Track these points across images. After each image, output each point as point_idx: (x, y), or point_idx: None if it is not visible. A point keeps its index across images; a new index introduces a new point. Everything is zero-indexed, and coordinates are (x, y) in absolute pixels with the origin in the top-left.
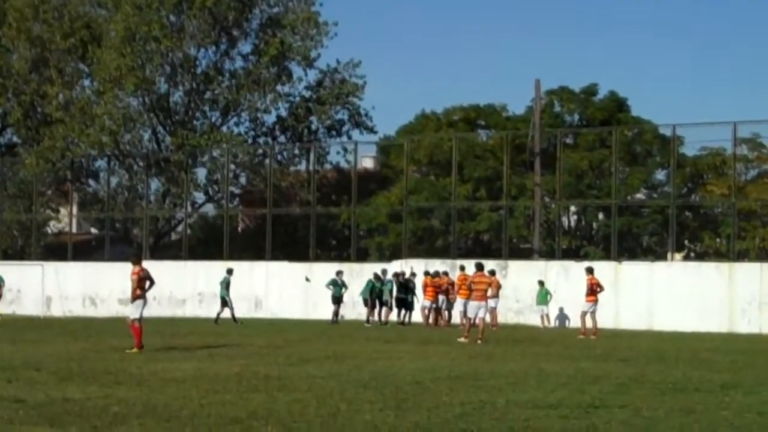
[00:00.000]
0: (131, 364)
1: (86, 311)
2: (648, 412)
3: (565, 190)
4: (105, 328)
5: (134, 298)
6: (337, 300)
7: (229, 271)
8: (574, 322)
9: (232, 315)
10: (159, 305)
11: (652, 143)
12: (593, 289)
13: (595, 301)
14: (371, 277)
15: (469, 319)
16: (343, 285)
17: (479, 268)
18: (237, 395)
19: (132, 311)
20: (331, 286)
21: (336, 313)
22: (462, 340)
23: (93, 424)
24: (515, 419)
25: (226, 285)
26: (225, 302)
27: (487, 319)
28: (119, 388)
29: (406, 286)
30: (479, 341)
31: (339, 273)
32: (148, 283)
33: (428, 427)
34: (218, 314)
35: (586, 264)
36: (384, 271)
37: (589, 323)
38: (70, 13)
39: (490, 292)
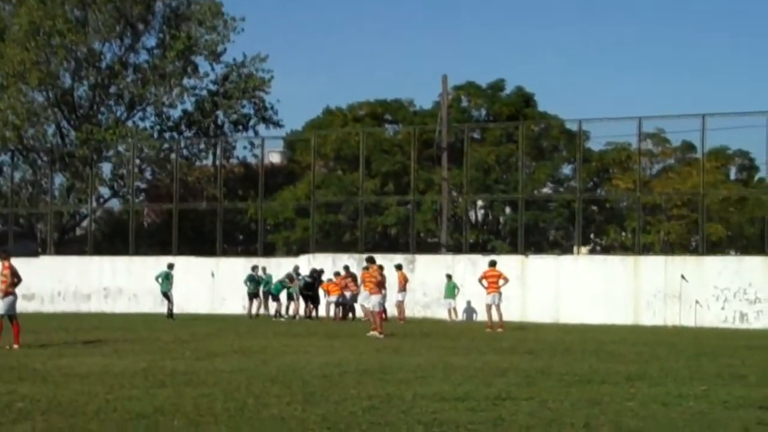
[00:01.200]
0: (35, 360)
1: None
2: (554, 404)
3: (473, 184)
4: (7, 324)
5: (6, 294)
6: (253, 296)
7: (170, 266)
8: (482, 315)
9: (170, 311)
10: (64, 300)
11: (559, 138)
12: (493, 282)
13: (497, 293)
14: (284, 275)
15: (374, 312)
16: (269, 278)
17: (370, 261)
18: (143, 390)
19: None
20: (248, 282)
21: (250, 308)
22: (374, 333)
23: None
24: (423, 412)
25: (165, 278)
26: (167, 296)
27: (395, 312)
28: (23, 384)
29: (313, 283)
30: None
31: (254, 268)
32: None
33: (336, 421)
34: (170, 309)
35: (491, 258)
36: (297, 268)
37: (495, 316)
38: None
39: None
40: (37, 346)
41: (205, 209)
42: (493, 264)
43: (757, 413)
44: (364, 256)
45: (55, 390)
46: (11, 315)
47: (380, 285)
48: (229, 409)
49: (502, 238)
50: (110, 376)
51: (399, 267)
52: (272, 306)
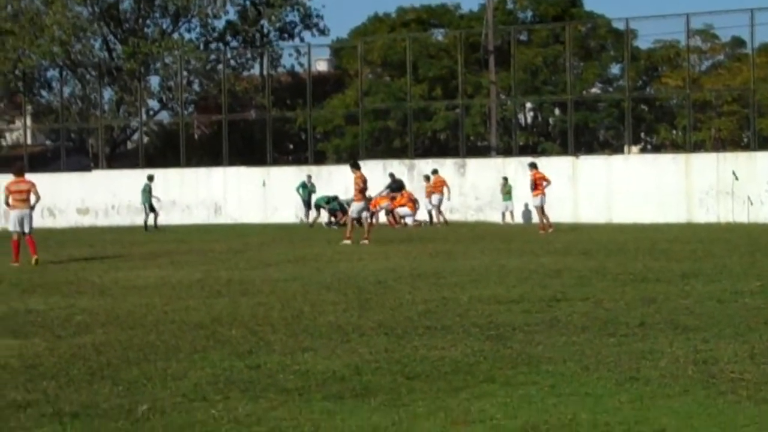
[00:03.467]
0: (92, 274)
1: (45, 222)
2: (609, 304)
3: (521, 86)
4: (64, 238)
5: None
6: (307, 204)
7: (150, 178)
8: (534, 217)
9: (154, 222)
10: (118, 214)
11: (606, 37)
12: (538, 183)
13: (543, 194)
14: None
15: (353, 219)
16: (313, 187)
17: (354, 167)
18: (200, 301)
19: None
20: (300, 189)
21: (307, 216)
22: (346, 242)
23: (57, 333)
24: (478, 315)
25: (148, 191)
26: (152, 208)
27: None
28: (81, 297)
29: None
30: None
31: (309, 177)
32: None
33: (392, 326)
34: (145, 221)
35: (530, 160)
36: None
37: (536, 217)
38: None
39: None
40: (94, 259)
41: (254, 119)
42: (533, 166)
43: None
44: (414, 161)
45: (113, 303)
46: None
47: (362, 192)
48: (286, 318)
49: (552, 140)
50: (167, 288)
51: (435, 171)
52: (324, 214)
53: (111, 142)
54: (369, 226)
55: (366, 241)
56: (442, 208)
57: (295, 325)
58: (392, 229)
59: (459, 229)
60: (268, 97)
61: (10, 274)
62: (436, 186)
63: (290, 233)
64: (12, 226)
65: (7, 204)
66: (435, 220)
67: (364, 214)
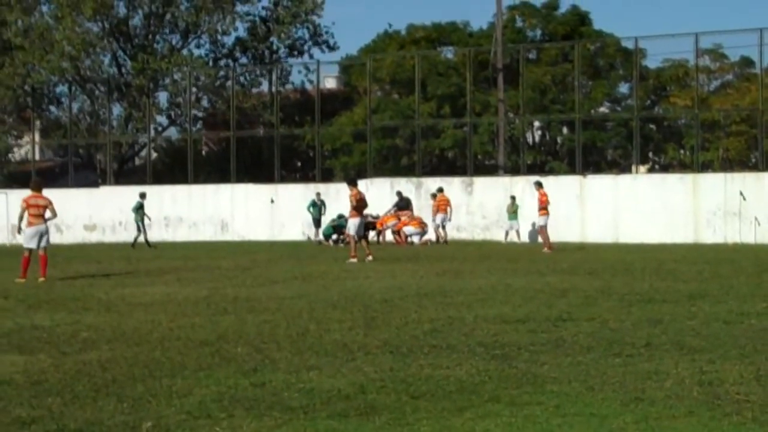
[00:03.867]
0: (99, 290)
1: (52, 238)
2: (615, 324)
3: (529, 105)
4: (71, 254)
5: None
6: (318, 222)
7: (142, 195)
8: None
9: (144, 239)
10: (125, 230)
11: (615, 56)
12: (544, 203)
13: (548, 214)
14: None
15: (353, 237)
16: (323, 205)
17: (351, 183)
18: (206, 318)
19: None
20: (311, 208)
21: (316, 234)
22: (352, 261)
23: (62, 350)
24: (484, 334)
25: (138, 208)
26: (139, 227)
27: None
28: (87, 314)
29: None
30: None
31: (318, 194)
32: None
33: (398, 344)
34: (135, 238)
35: (536, 179)
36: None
37: (541, 237)
38: None
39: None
40: (100, 275)
41: (263, 136)
42: (540, 185)
43: None
44: (422, 180)
45: (119, 319)
46: (41, 247)
47: (356, 209)
48: (291, 335)
49: (560, 159)
50: (173, 305)
51: (440, 190)
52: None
53: (119, 158)
54: (367, 242)
55: (370, 257)
56: (447, 227)
57: (300, 342)
58: (400, 247)
59: (465, 248)
60: (276, 114)
61: (17, 289)
62: (440, 205)
63: (297, 250)
64: (26, 242)
65: (20, 218)
66: (440, 238)
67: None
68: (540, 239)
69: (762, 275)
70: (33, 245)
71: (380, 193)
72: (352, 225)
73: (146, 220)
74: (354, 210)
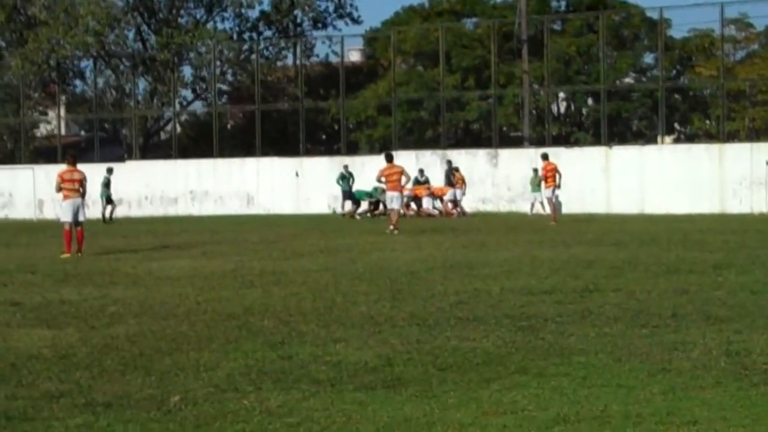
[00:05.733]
0: (126, 264)
1: None
2: (642, 295)
3: (554, 76)
4: (97, 229)
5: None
6: (348, 195)
7: (109, 171)
8: (567, 208)
9: (110, 214)
10: (151, 204)
11: (640, 27)
12: (549, 176)
13: (555, 186)
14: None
15: (392, 209)
16: (351, 177)
17: (389, 159)
18: (233, 291)
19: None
20: (340, 181)
21: (343, 207)
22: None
23: (90, 324)
24: (510, 306)
25: (106, 184)
26: (109, 200)
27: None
28: (115, 288)
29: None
30: (394, 231)
31: (345, 166)
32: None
33: (424, 317)
34: (103, 213)
35: (543, 151)
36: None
37: (549, 209)
38: None
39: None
40: (127, 250)
41: (288, 109)
42: (545, 157)
43: None
44: (448, 152)
45: (146, 293)
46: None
47: (398, 182)
48: (318, 308)
49: (585, 130)
50: (200, 278)
51: (456, 169)
52: (364, 204)
53: (144, 132)
54: (397, 216)
55: (395, 230)
56: (462, 203)
57: (327, 315)
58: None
59: (491, 219)
60: (301, 87)
61: (45, 264)
62: (458, 181)
63: (323, 224)
64: (65, 215)
65: (59, 191)
66: (461, 211)
67: (396, 203)
68: (547, 210)
69: None
70: (72, 219)
71: (405, 166)
72: (393, 198)
73: (113, 196)
74: (396, 183)
